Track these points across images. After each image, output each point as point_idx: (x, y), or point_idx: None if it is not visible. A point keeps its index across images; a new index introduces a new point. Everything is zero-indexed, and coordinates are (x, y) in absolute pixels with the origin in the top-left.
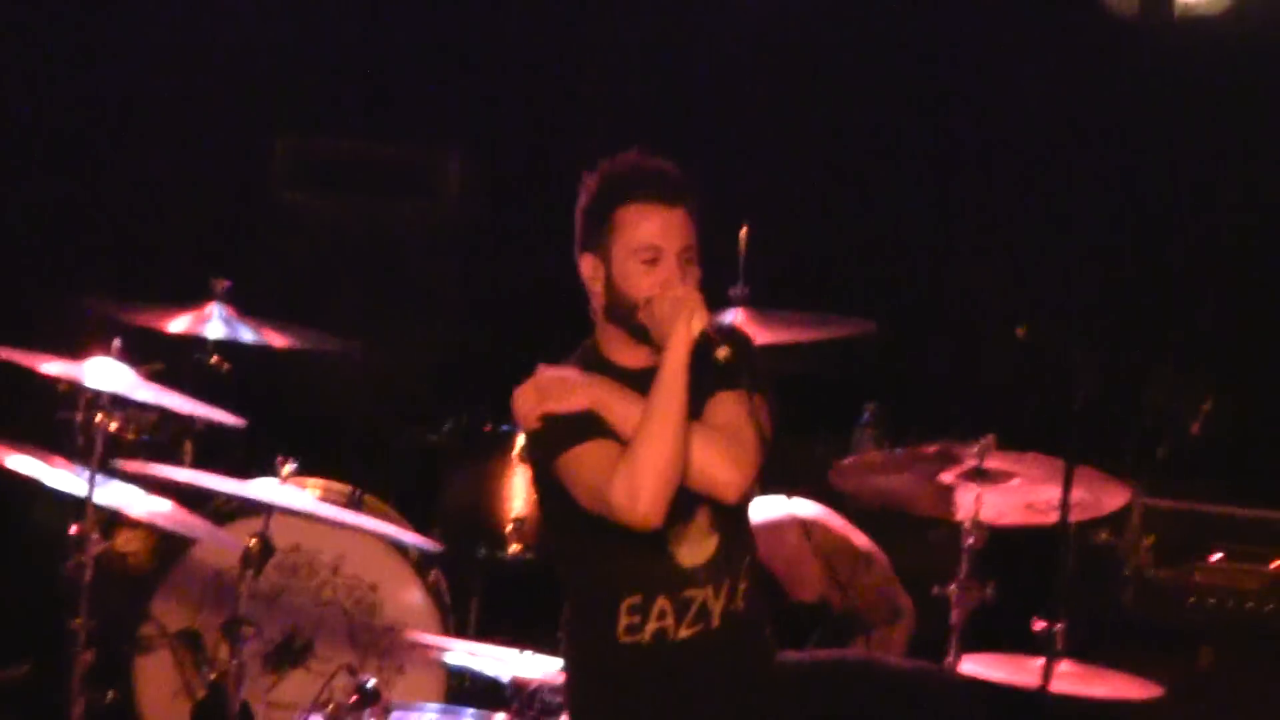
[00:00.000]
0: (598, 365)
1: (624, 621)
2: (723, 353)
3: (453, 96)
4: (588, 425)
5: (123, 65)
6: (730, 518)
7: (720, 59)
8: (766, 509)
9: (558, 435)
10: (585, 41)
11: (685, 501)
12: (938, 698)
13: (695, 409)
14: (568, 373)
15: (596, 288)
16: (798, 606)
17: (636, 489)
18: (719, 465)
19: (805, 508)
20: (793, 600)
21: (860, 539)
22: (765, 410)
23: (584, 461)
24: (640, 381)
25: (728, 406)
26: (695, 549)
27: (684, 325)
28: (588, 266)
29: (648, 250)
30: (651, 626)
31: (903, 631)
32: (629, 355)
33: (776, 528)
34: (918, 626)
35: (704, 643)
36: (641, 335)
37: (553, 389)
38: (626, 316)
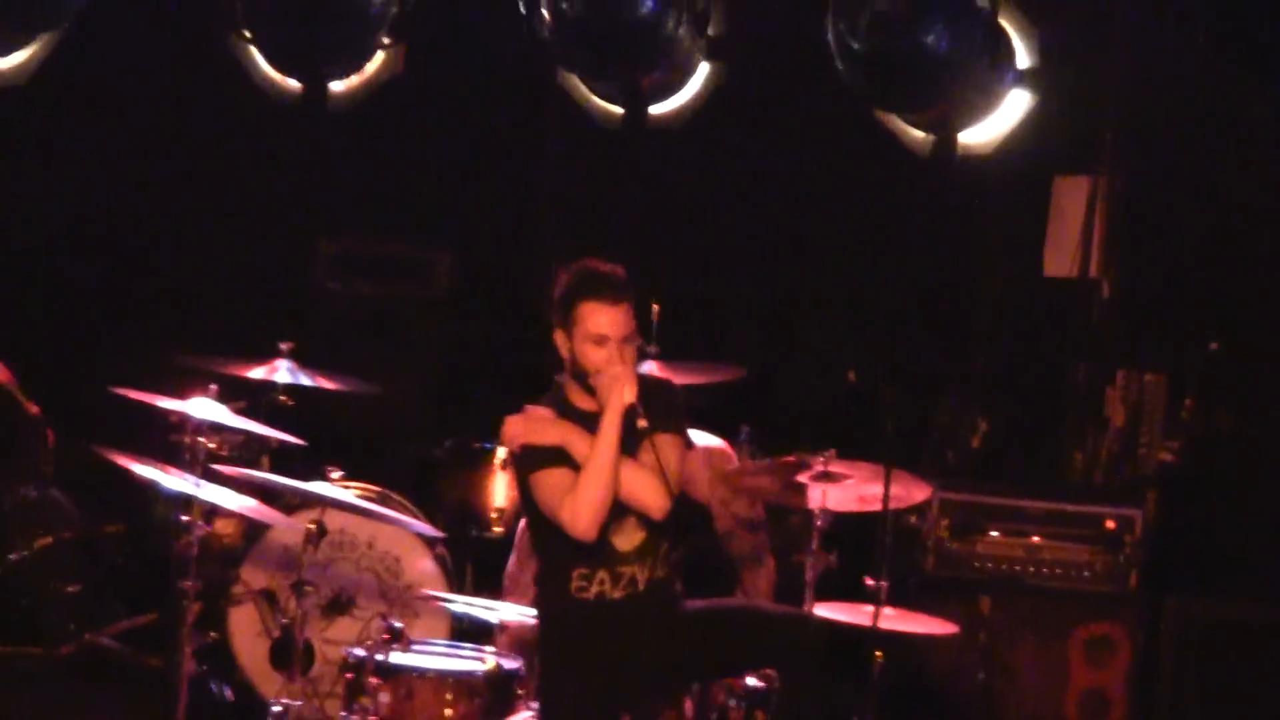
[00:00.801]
0: (563, 405)
1: (575, 584)
2: (642, 422)
3: (446, 212)
4: (554, 457)
5: (215, 185)
6: (654, 522)
7: (642, 192)
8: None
9: (532, 460)
10: (544, 176)
11: (623, 508)
12: (801, 632)
13: (631, 449)
14: (544, 414)
15: (564, 355)
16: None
17: (578, 515)
18: (648, 495)
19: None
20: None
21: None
22: (679, 443)
23: (545, 485)
24: (591, 421)
25: (658, 450)
26: (628, 539)
27: (617, 398)
28: (559, 340)
29: (597, 337)
30: (594, 589)
31: (767, 578)
32: (585, 401)
33: (722, 454)
34: (780, 580)
35: (632, 602)
36: (592, 391)
37: (533, 426)
38: (582, 377)
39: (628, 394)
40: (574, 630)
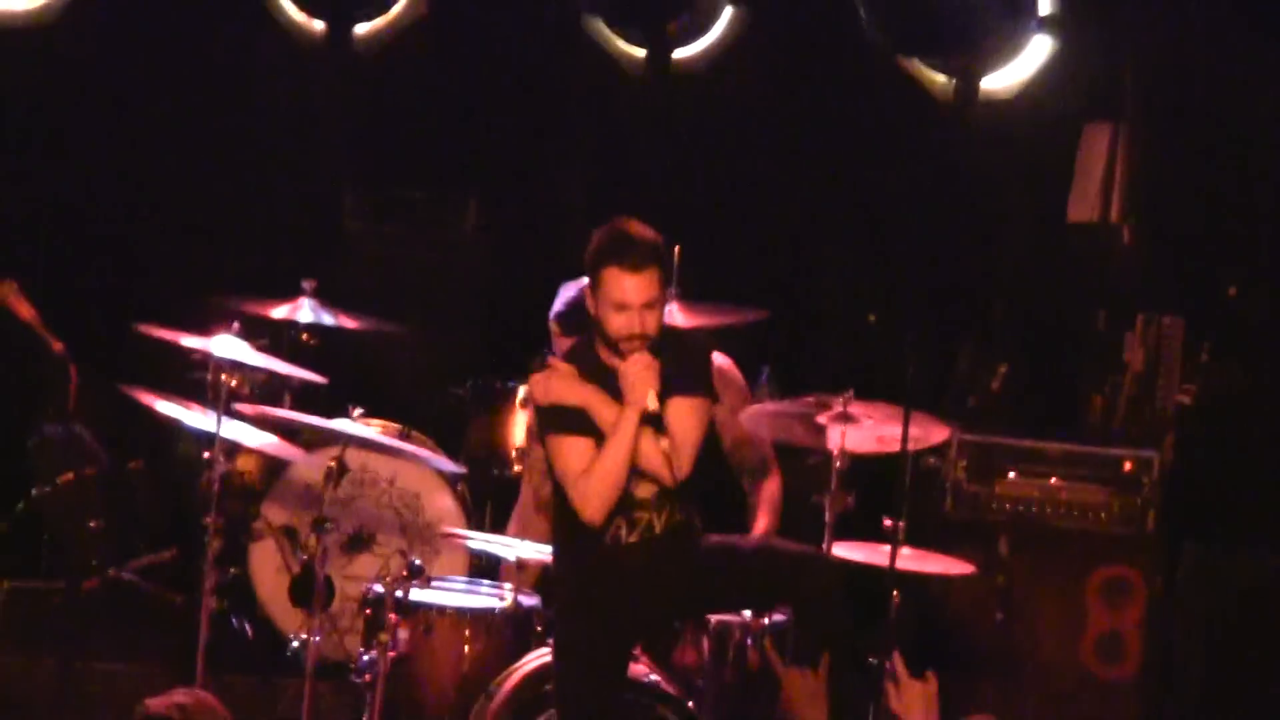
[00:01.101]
0: (590, 360)
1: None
2: (653, 408)
3: (472, 157)
4: (574, 421)
5: (241, 125)
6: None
7: (664, 136)
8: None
9: (553, 421)
10: (568, 120)
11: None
12: (817, 571)
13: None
14: (568, 372)
15: (592, 314)
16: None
17: (587, 502)
18: (660, 470)
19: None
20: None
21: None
22: (702, 407)
23: (562, 452)
24: (613, 376)
25: (675, 421)
26: (646, 488)
27: (638, 399)
28: (589, 300)
29: (618, 303)
30: (610, 534)
31: (775, 484)
32: (608, 357)
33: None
34: (798, 521)
35: (648, 545)
36: (614, 349)
37: (557, 385)
38: (605, 336)
39: (651, 400)
40: (589, 573)
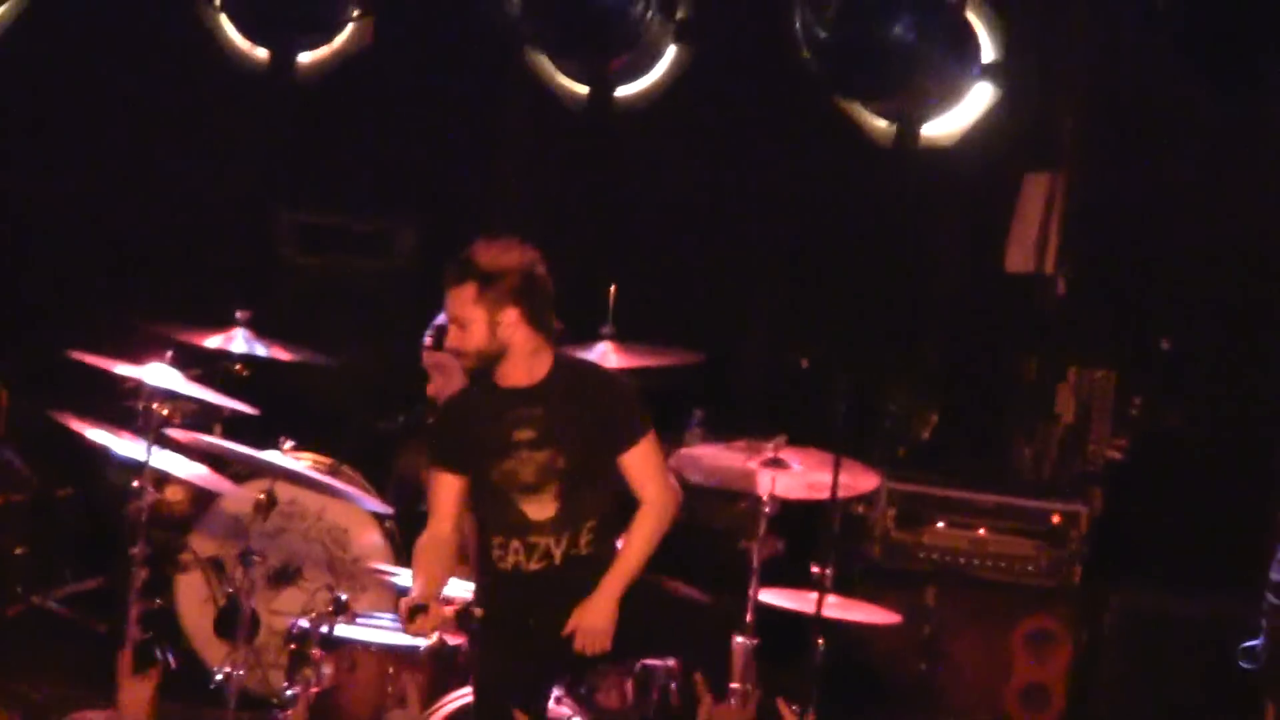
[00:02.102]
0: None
1: (494, 552)
2: None
3: (410, 185)
4: None
5: (180, 151)
6: (571, 494)
7: (603, 173)
8: None
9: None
10: (507, 154)
11: (537, 481)
12: (703, 621)
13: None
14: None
15: None
16: None
17: None
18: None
19: None
20: None
21: None
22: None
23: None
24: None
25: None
26: (541, 509)
27: None
28: None
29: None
30: (510, 559)
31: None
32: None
33: None
34: (726, 565)
35: (547, 574)
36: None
37: None
38: None
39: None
40: (493, 599)
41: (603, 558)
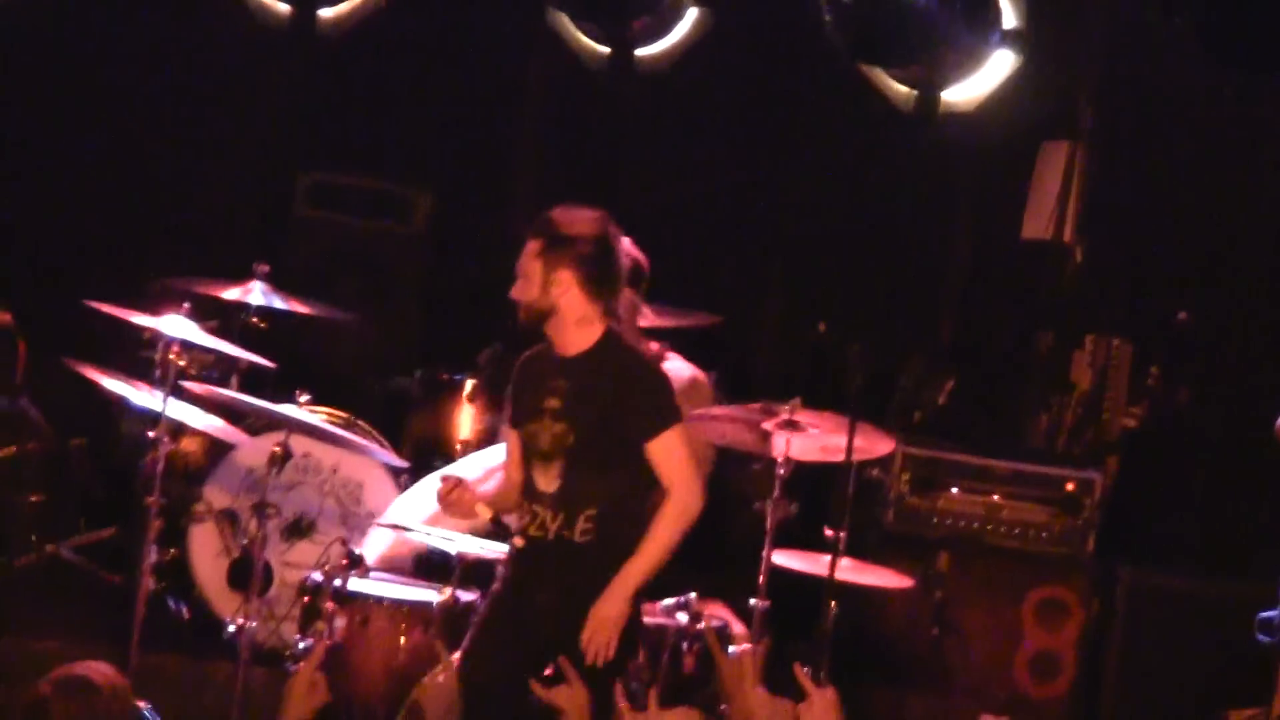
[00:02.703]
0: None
1: (518, 511)
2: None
3: (428, 149)
4: None
5: (200, 106)
6: (573, 473)
7: (623, 134)
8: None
9: None
10: (527, 115)
11: (550, 451)
12: None
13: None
14: None
15: None
16: None
17: None
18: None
19: None
20: None
21: None
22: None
23: None
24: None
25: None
26: (547, 481)
27: None
28: None
29: None
30: (522, 521)
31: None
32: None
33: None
34: (740, 527)
35: (541, 545)
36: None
37: None
38: None
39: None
40: (508, 563)
41: (602, 554)
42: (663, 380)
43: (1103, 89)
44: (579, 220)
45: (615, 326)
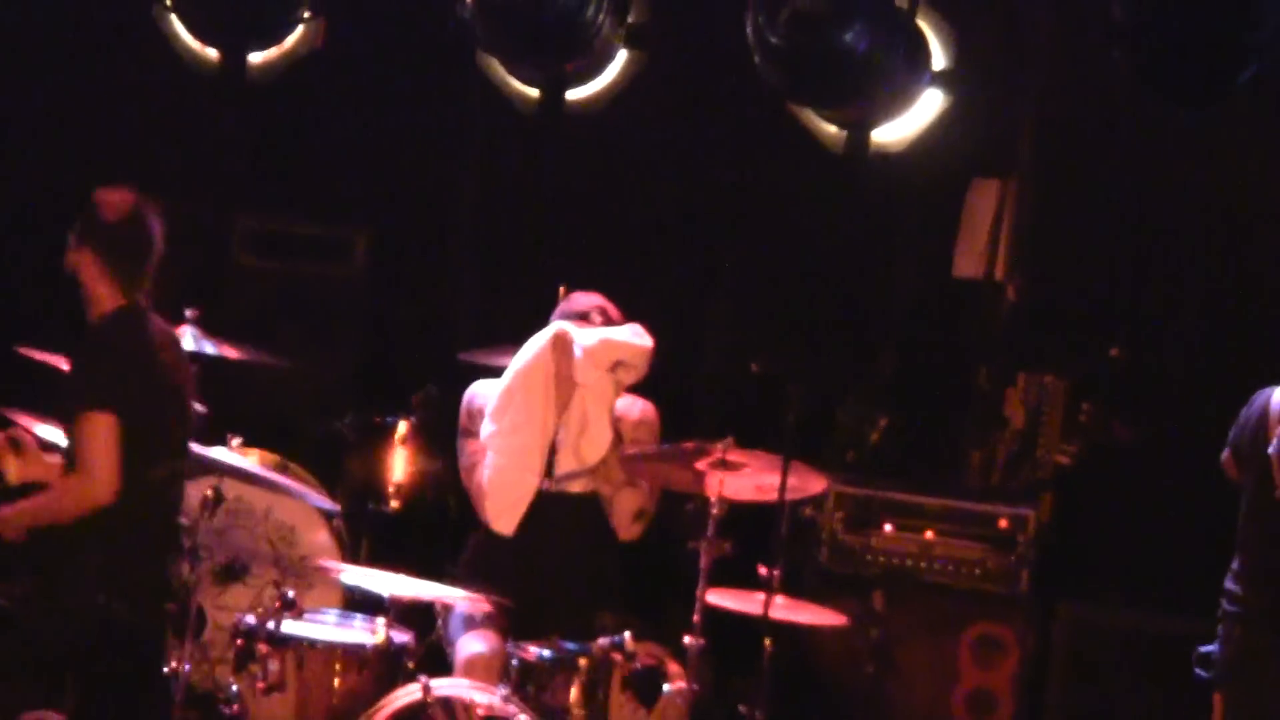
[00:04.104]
0: None
1: None
2: None
3: (363, 193)
4: None
5: (132, 153)
6: None
7: (555, 177)
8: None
9: None
10: (459, 158)
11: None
12: None
13: None
14: None
15: None
16: None
17: None
18: None
19: None
20: None
21: None
22: None
23: None
24: None
25: None
26: None
27: None
28: None
29: None
30: None
31: (635, 499)
32: None
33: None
34: (673, 567)
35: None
36: None
37: None
38: None
39: None
40: None
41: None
42: (83, 354)
43: (1036, 125)
44: (107, 201)
45: (140, 304)
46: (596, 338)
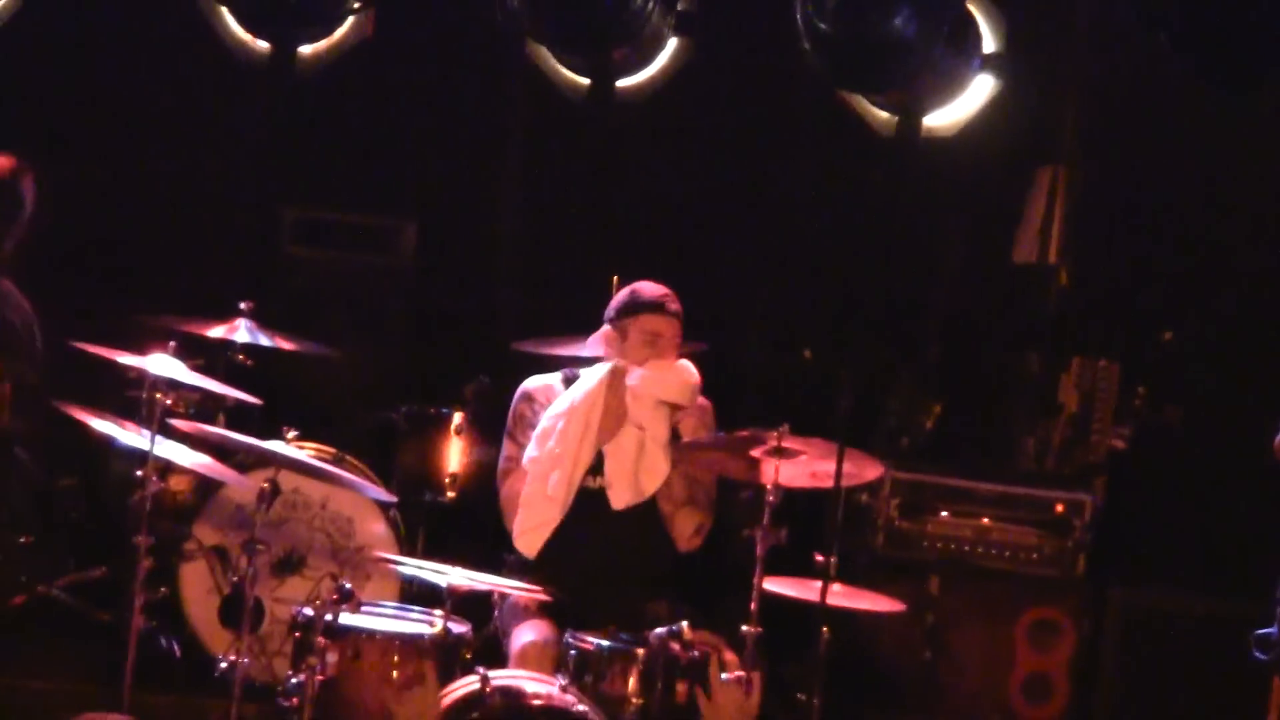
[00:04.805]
0: None
1: None
2: None
3: (412, 183)
4: None
5: (182, 144)
6: None
7: (605, 165)
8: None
9: None
10: (509, 147)
11: None
12: None
13: None
14: None
15: None
16: None
17: None
18: None
19: None
20: None
21: None
22: None
23: None
24: None
25: None
26: None
27: None
28: None
29: None
30: None
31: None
32: None
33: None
34: (729, 555)
35: None
36: None
37: None
38: None
39: None
40: None
41: None
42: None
43: (1085, 110)
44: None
45: None
46: (643, 379)
